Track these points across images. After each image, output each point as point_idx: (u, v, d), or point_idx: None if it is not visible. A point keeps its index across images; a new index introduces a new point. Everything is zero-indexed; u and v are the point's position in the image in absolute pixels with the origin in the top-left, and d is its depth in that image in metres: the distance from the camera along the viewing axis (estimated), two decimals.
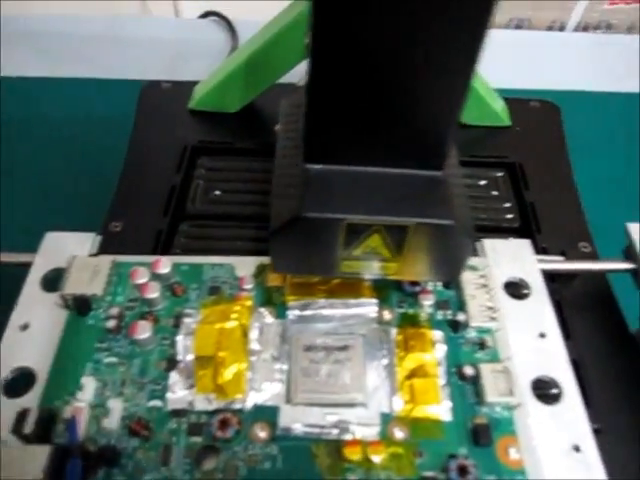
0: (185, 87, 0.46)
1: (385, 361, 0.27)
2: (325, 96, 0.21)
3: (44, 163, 0.51)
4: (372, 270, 0.25)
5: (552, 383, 0.28)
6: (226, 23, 0.64)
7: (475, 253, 0.32)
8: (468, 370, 0.27)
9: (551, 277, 0.35)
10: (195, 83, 0.46)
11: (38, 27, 0.63)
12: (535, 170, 0.41)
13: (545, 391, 0.28)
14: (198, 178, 0.40)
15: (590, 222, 0.39)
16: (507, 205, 0.39)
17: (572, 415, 0.27)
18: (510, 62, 0.61)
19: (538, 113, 0.46)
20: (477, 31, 0.19)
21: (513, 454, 0.25)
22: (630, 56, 0.63)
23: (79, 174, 0.50)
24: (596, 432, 0.29)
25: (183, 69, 0.52)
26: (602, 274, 0.36)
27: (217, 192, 0.39)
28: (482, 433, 0.25)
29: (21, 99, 0.56)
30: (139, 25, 0.65)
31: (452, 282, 0.29)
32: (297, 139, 0.24)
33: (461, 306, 0.29)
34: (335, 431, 0.25)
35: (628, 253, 0.34)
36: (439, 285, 0.30)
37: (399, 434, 0.25)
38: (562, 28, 0.77)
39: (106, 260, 0.30)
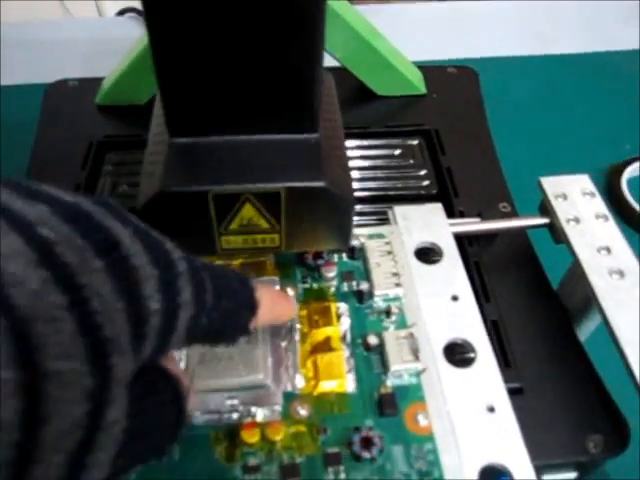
0: (93, 83, 0.45)
1: (288, 339, 0.26)
2: (172, 67, 0.20)
3: None
4: (255, 244, 0.24)
5: (466, 345, 0.27)
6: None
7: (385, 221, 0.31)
8: (372, 340, 0.26)
9: (470, 240, 0.34)
10: (103, 79, 0.44)
11: None
12: (452, 135, 0.40)
13: (460, 355, 0.27)
14: (106, 174, 0.38)
15: (514, 184, 0.38)
16: (423, 172, 0.38)
17: (486, 376, 0.26)
18: (437, 34, 0.60)
19: (455, 79, 0.45)
20: None
21: (422, 420, 0.24)
22: (555, 18, 0.63)
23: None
24: (517, 391, 0.28)
25: (99, 68, 0.50)
26: (522, 233, 0.35)
27: (125, 186, 0.38)
28: (387, 403, 0.24)
29: None
30: (56, 27, 0.63)
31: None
32: None
33: (367, 275, 0.28)
34: (235, 415, 0.24)
35: (543, 208, 0.33)
36: (344, 256, 0.29)
37: (302, 412, 0.24)
38: None
39: None
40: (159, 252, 0.17)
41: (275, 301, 0.23)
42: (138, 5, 0.63)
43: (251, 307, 0.20)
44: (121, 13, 0.64)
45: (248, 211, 0.22)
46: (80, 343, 0.13)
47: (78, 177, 0.37)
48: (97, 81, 0.45)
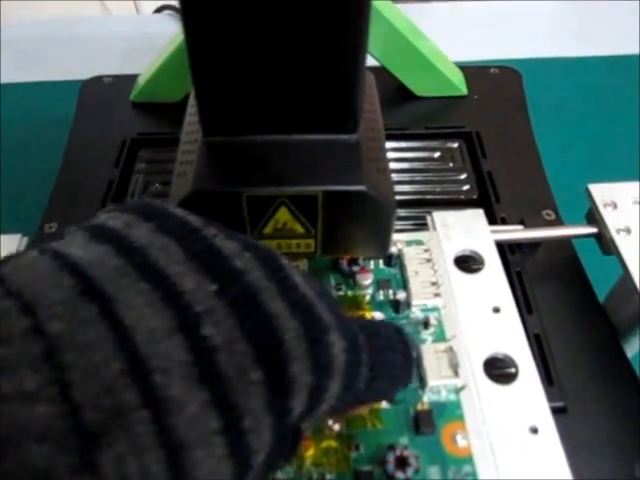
0: (128, 80, 0.44)
1: None
2: (208, 63, 0.19)
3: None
4: (290, 249, 0.23)
5: (507, 360, 0.26)
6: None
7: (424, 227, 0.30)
8: None
9: (512, 248, 0.33)
10: (138, 76, 0.44)
11: None
12: (493, 139, 0.38)
13: (501, 370, 0.25)
14: (138, 172, 0.38)
15: (559, 191, 0.36)
16: (463, 176, 0.37)
17: (529, 394, 0.25)
18: (479, 34, 0.58)
19: (498, 80, 0.43)
20: None
21: (460, 441, 0.23)
22: (596, 20, 0.60)
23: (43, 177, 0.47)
24: (561, 411, 0.27)
25: (136, 65, 0.50)
26: (567, 242, 0.33)
27: (157, 185, 0.37)
28: (424, 420, 0.23)
29: None
30: (94, 24, 0.63)
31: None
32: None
33: (404, 284, 0.27)
34: None
35: (591, 216, 0.32)
36: (381, 263, 0.28)
37: (334, 426, 0.23)
38: None
39: None
40: (321, 350, 0.15)
41: None
42: (175, 2, 0.63)
43: (390, 398, 0.20)
44: (158, 10, 0.64)
45: (283, 215, 0.21)
46: (229, 463, 0.13)
47: (111, 174, 0.37)
48: (132, 78, 0.44)
